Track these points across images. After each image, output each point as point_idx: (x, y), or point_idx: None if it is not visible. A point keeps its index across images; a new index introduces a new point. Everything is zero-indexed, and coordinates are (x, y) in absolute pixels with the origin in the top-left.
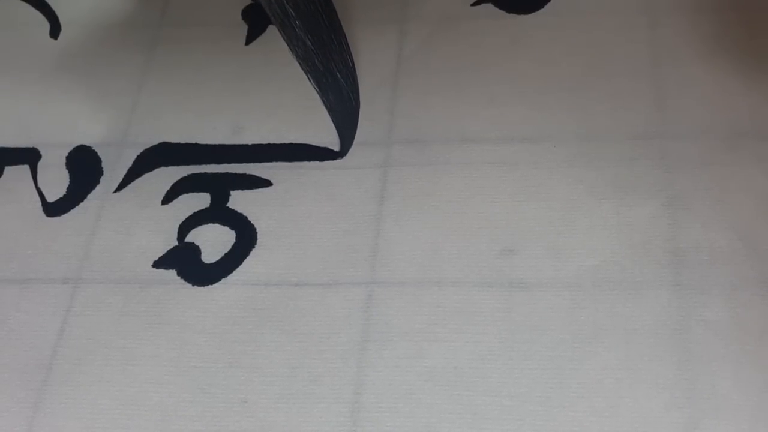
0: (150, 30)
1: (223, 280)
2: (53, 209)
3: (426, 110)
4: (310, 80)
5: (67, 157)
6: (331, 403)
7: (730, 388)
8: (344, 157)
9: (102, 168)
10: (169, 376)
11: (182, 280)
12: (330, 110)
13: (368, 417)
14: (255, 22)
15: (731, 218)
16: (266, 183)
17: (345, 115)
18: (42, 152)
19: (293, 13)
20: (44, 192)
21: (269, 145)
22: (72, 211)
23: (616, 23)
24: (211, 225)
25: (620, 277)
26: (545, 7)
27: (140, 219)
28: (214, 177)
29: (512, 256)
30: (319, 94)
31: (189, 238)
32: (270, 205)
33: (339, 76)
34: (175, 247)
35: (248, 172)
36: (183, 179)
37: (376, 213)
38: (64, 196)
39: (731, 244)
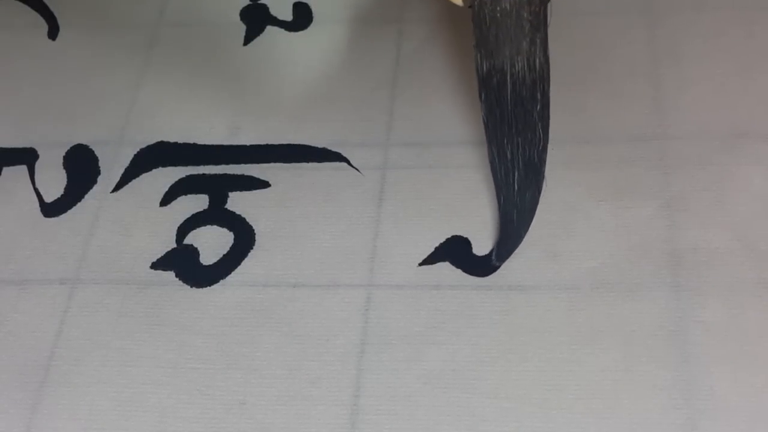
0: (148, 30)
1: (221, 281)
2: (51, 210)
3: (425, 112)
4: (512, 174)
5: (64, 157)
6: (330, 405)
7: (728, 389)
8: (343, 159)
9: (99, 167)
10: (167, 377)
11: (181, 281)
12: (518, 210)
13: (367, 419)
14: (253, 23)
15: (730, 219)
16: (264, 184)
17: (528, 217)
18: (39, 152)
19: (539, 97)
20: (42, 192)
21: (267, 145)
22: (69, 212)
23: (614, 24)
24: (209, 227)
25: (618, 279)
26: None
27: (138, 220)
28: (212, 178)
29: (510, 259)
30: (514, 190)
31: (187, 240)
32: (268, 207)
33: (543, 169)
34: (173, 249)
35: (246, 173)
36: (181, 180)
37: (374, 215)
38: (62, 196)
39: (729, 245)
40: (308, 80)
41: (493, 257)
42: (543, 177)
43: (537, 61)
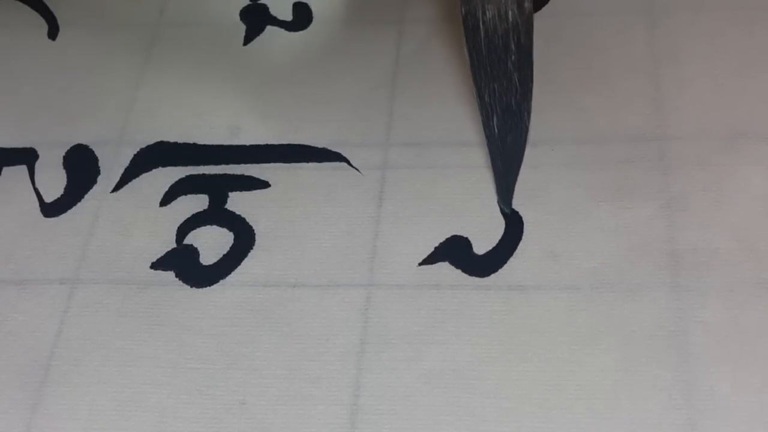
0: (148, 30)
1: (221, 281)
2: (51, 210)
3: (424, 112)
4: (492, 118)
5: (64, 157)
6: (330, 405)
7: (728, 389)
8: (343, 159)
9: (99, 167)
10: (167, 377)
11: (181, 281)
12: (501, 153)
13: (366, 419)
14: (253, 23)
15: (729, 219)
16: (264, 184)
17: (514, 161)
18: (39, 152)
19: (513, 48)
20: (42, 192)
21: (267, 145)
22: (69, 212)
23: (614, 24)
24: (209, 227)
25: (618, 280)
26: (543, 9)
27: (138, 220)
28: (212, 178)
29: (510, 259)
30: (495, 134)
31: (187, 240)
32: (268, 207)
33: (525, 117)
34: (173, 249)
35: (246, 173)
36: (181, 180)
37: (374, 215)
38: (62, 196)
39: (729, 245)
40: (308, 80)
41: (500, 205)
42: (525, 126)
43: (509, 12)
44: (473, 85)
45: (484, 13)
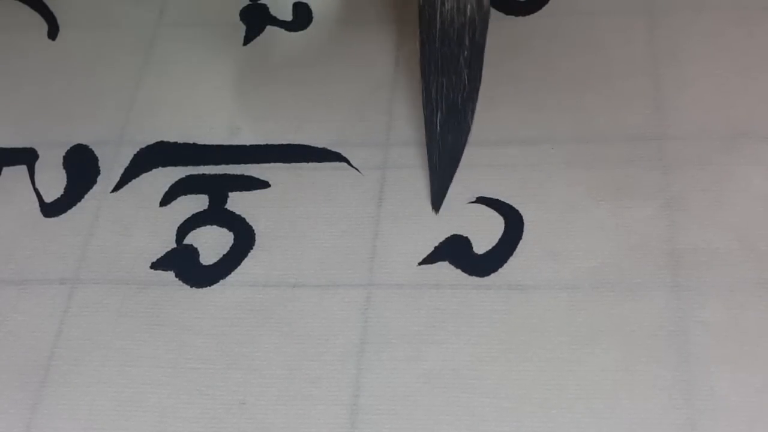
0: (148, 30)
1: (221, 281)
2: (51, 210)
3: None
4: (436, 114)
5: (64, 157)
6: (330, 405)
7: (728, 389)
8: (343, 159)
9: (99, 167)
10: (167, 377)
11: (181, 281)
12: (440, 152)
13: (366, 419)
14: (253, 23)
15: (729, 219)
16: (264, 184)
17: (451, 161)
18: (39, 152)
19: (467, 43)
20: (42, 192)
21: (267, 145)
22: (69, 212)
23: (614, 24)
24: (209, 227)
25: (618, 279)
26: (543, 8)
27: (138, 220)
28: (212, 178)
29: (510, 259)
30: (436, 132)
31: (187, 240)
32: (268, 207)
33: (469, 117)
34: (173, 249)
35: (246, 173)
36: (181, 180)
37: (374, 215)
38: (62, 196)
39: (729, 245)
40: (308, 80)
41: (433, 202)
42: (468, 126)
43: (468, 6)
44: (421, 78)
45: (443, 3)
